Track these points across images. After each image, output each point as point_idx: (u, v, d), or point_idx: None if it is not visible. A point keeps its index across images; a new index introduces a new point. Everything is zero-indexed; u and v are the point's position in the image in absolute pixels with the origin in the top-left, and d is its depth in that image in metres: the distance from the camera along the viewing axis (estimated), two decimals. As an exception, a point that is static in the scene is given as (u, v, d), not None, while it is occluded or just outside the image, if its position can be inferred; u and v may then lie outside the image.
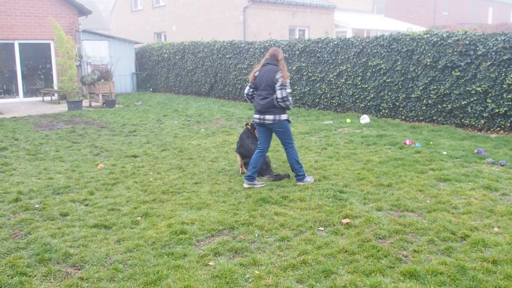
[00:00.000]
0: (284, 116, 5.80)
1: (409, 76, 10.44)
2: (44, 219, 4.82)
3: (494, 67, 8.96)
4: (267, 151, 6.12)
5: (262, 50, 14.30)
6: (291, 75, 13.11)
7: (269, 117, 5.74)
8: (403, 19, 35.11)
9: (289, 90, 5.69)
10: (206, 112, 12.95)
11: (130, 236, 4.32)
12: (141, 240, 4.21)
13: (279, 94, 5.62)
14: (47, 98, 16.96)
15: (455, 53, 9.54)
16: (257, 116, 5.87)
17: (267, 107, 5.72)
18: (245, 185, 5.86)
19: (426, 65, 10.08)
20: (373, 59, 11.15)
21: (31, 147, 8.48)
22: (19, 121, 11.75)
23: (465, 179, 5.92)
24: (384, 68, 10.93)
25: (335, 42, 12.10)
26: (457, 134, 9.00)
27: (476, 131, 9.37)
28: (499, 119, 9.02)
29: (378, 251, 3.89)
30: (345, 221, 4.56)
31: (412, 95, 10.42)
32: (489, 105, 9.06)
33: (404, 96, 10.63)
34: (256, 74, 5.85)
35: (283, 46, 13.50)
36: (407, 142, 8.17)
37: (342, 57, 11.89)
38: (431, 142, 8.20)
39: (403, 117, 10.79)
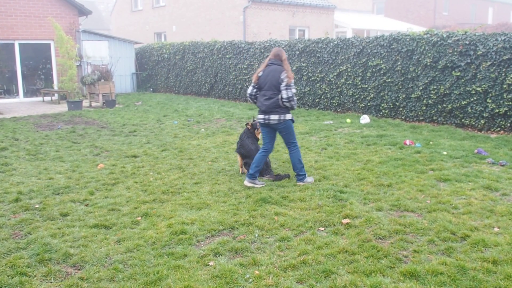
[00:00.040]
0: (288, 116, 5.81)
1: (409, 76, 10.44)
2: (44, 219, 4.82)
3: (494, 67, 8.96)
4: (271, 151, 6.13)
5: (262, 50, 14.31)
6: (291, 75, 13.09)
7: (274, 117, 5.75)
8: (403, 19, 35.12)
9: (294, 90, 5.70)
10: (206, 112, 12.95)
11: (130, 236, 4.32)
12: (141, 240, 4.21)
13: (284, 94, 5.62)
14: (47, 98, 16.95)
15: (455, 53, 9.54)
16: (261, 116, 5.85)
17: (272, 107, 5.72)
18: (246, 183, 5.86)
19: (426, 65, 10.08)
20: (373, 59, 11.15)
21: (31, 147, 8.48)
22: (19, 121, 11.74)
23: (465, 179, 5.92)
24: (384, 68, 10.93)
25: (335, 42, 12.10)
26: (457, 134, 9.00)
27: (476, 131, 9.37)
28: (499, 119, 9.02)
29: (378, 251, 3.89)
30: (345, 221, 4.56)
31: (412, 95, 10.42)
32: (489, 105, 9.06)
33: (404, 96, 10.63)
34: (259, 75, 5.85)
35: (283, 46, 13.49)
36: (407, 142, 8.17)
37: (342, 57, 11.89)
38: (431, 142, 8.20)
39: (403, 117, 10.79)
